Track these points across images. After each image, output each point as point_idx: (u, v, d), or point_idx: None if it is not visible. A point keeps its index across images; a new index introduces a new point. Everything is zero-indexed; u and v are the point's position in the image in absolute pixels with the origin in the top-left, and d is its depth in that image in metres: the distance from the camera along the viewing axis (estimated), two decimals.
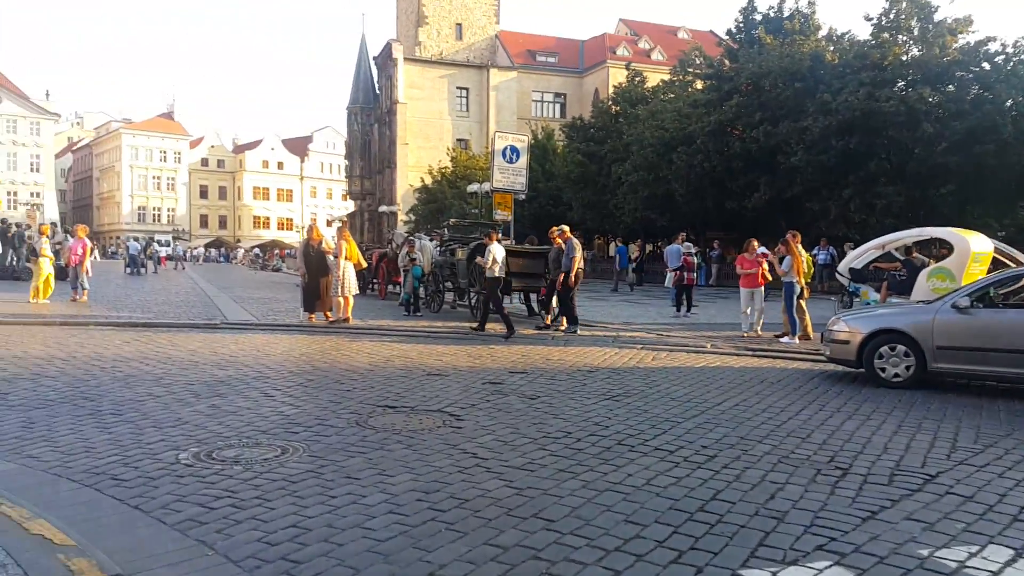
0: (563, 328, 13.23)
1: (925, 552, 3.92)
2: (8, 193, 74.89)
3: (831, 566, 3.72)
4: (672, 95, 36.48)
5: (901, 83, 25.17)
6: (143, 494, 4.48)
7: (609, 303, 20.53)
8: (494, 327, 13.94)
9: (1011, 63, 23.64)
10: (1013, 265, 12.72)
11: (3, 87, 76.45)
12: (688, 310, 16.35)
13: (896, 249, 14.75)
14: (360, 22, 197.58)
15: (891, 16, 25.93)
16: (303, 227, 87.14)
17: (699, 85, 35.06)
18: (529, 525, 4.17)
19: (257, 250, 72.88)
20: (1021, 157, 22.30)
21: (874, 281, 16.13)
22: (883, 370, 8.99)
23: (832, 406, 7.69)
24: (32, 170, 77.35)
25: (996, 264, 13.60)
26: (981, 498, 4.83)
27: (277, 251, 69.37)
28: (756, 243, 13.69)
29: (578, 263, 13.11)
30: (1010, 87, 23.17)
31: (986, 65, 24.18)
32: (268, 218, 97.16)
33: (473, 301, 14.47)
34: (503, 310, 13.31)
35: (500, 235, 18.53)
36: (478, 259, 14.16)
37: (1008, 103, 23.45)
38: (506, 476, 5.00)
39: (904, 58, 25.55)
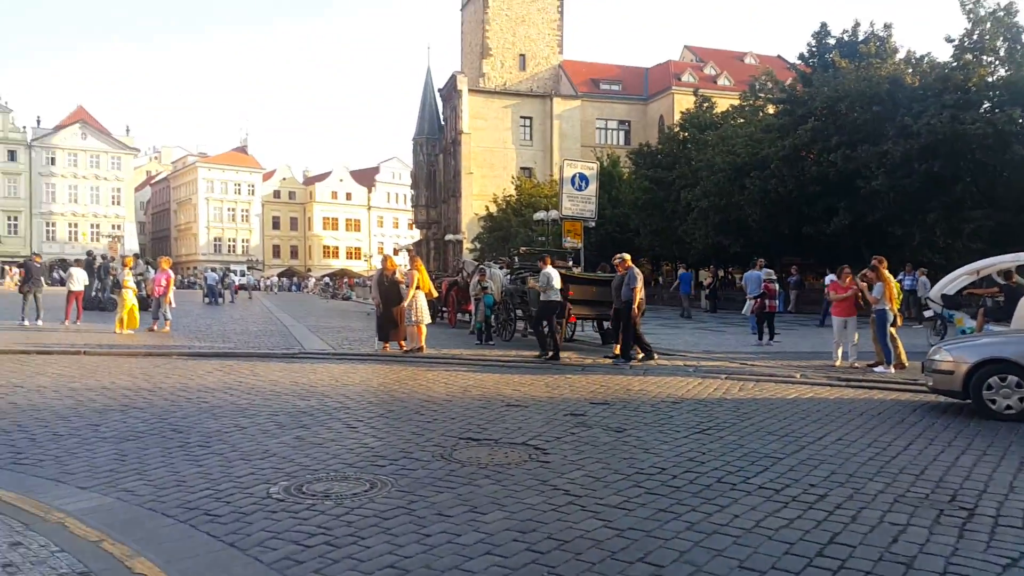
0: (639, 358, 12.87)
1: None
2: (91, 225, 78.90)
3: None
4: (742, 120, 35.82)
5: (987, 105, 24.10)
6: (237, 530, 4.39)
7: (685, 331, 20.03)
8: (570, 355, 13.72)
9: None
10: None
11: (88, 124, 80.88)
12: (770, 338, 15.77)
13: (998, 274, 13.97)
14: (426, 55, 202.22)
15: (974, 37, 24.88)
16: (369, 256, 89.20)
17: (770, 110, 34.36)
18: (637, 571, 3.92)
19: (327, 279, 74.40)
20: None
21: (968, 307, 15.33)
22: (993, 402, 8.40)
23: (942, 440, 7.20)
24: (113, 203, 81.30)
25: None
26: None
27: (346, 280, 70.68)
28: (848, 269, 13.06)
29: (640, 293, 12.71)
30: None
31: None
32: (337, 247, 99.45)
33: (546, 330, 14.27)
34: (544, 334, 13.55)
35: (571, 261, 18.41)
36: (532, 283, 14.12)
37: None
38: (603, 516, 4.75)
39: (990, 79, 24.48)
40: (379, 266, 15.12)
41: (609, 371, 12.13)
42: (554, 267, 14.71)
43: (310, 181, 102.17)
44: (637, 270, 13.01)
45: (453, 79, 58.58)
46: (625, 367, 12.39)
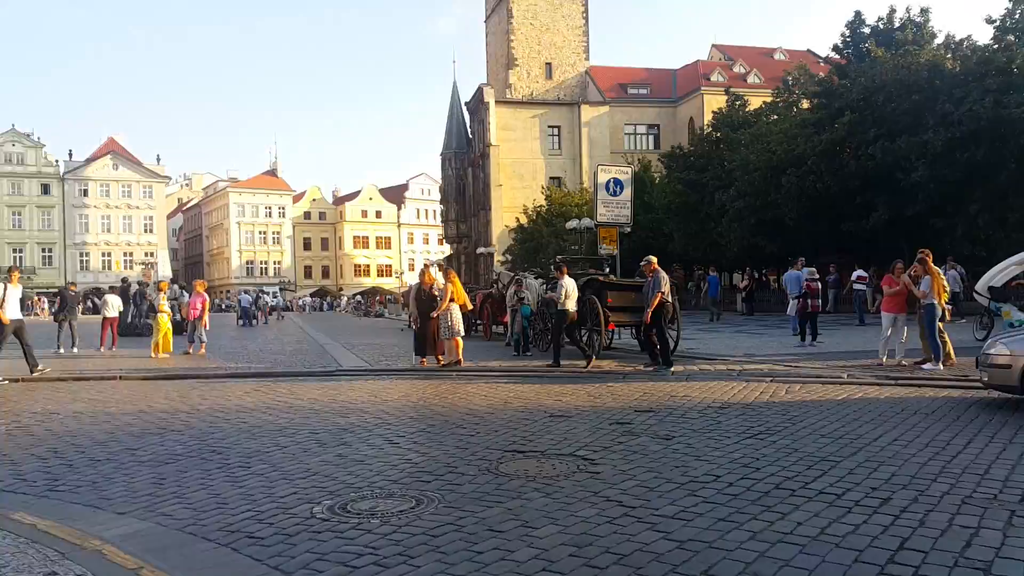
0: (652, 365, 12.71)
1: None
2: (124, 254, 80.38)
3: None
4: (776, 116, 35.29)
5: None
6: (281, 553, 4.26)
7: (724, 334, 19.69)
8: (610, 363, 13.51)
9: None
10: None
11: (119, 155, 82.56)
12: (813, 339, 15.36)
13: None
14: (452, 69, 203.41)
15: (1016, 16, 24.21)
16: (400, 273, 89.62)
17: (804, 104, 33.81)
18: None
19: (359, 297, 74.91)
20: None
21: (1017, 300, 14.80)
22: None
23: (1002, 437, 6.90)
24: (146, 231, 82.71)
25: None
26: None
27: (378, 297, 71.09)
28: (901, 264, 12.67)
29: (661, 298, 12.44)
30: None
31: None
32: (368, 266, 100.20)
33: (584, 339, 14.09)
34: (560, 343, 13.60)
35: (608, 268, 18.17)
36: (549, 293, 14.07)
37: None
38: (660, 527, 4.55)
39: None
40: (417, 280, 15.11)
41: (651, 378, 11.88)
42: (592, 275, 14.57)
43: (339, 201, 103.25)
44: (663, 274, 12.78)
45: (479, 91, 58.67)
46: (667, 373, 12.15)
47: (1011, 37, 24.15)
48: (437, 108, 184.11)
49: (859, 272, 23.74)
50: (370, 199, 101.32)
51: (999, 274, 14.54)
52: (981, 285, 14.71)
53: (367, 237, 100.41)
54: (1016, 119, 21.72)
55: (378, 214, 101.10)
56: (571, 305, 13.37)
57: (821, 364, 12.50)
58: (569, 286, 13.42)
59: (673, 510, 4.88)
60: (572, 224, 32.23)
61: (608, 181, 18.14)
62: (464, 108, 63.37)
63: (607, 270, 17.81)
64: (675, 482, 5.56)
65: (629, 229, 19.17)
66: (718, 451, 6.55)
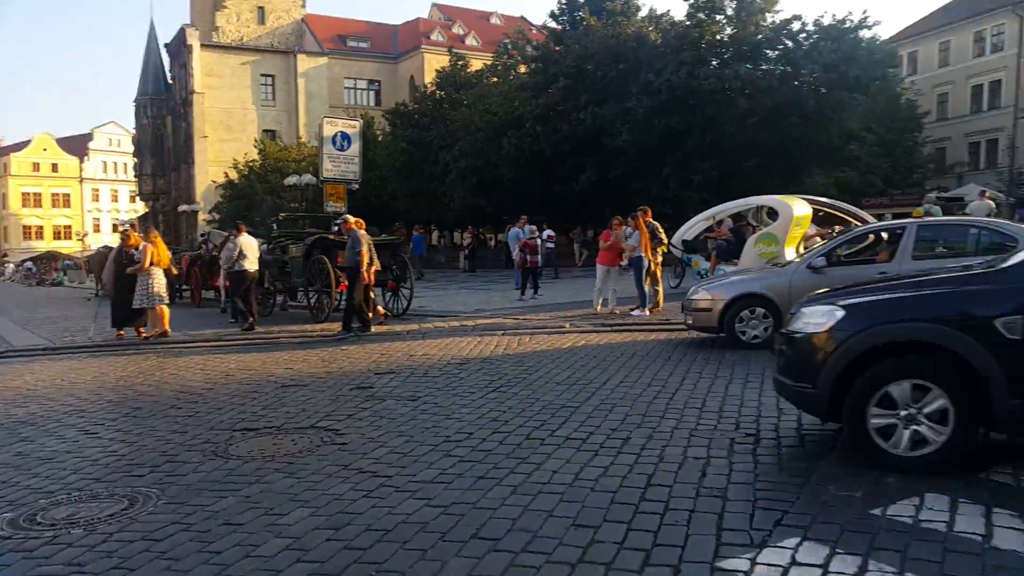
0: (356, 327, 12.10)
1: (877, 512, 3.80)
2: None
3: (802, 542, 3.50)
4: (496, 79, 36.18)
5: (716, 62, 26.27)
6: None
7: (451, 291, 19.97)
8: (330, 326, 12.86)
9: (811, 40, 25.37)
10: (858, 223, 13.72)
11: None
12: (535, 292, 16.13)
13: (730, 217, 15.39)
14: (148, 6, 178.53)
15: None
16: (83, 234, 78.79)
17: (522, 69, 35.00)
18: (473, 549, 3.55)
19: (30, 264, 64.65)
20: (826, 130, 23.99)
21: (703, 251, 16.83)
22: (743, 333, 9.23)
23: (708, 372, 7.73)
24: None
25: (829, 221, 14.66)
26: None
27: (55, 263, 61.84)
28: (619, 220, 13.49)
29: (365, 258, 11.88)
30: (811, 62, 24.74)
31: (790, 43, 25.83)
32: (41, 227, 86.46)
33: (313, 300, 13.26)
34: (252, 304, 13.28)
35: (336, 228, 17.31)
36: (223, 252, 13.68)
37: (810, 78, 25.07)
38: (421, 494, 4.31)
39: (719, 37, 26.71)
40: (119, 242, 13.26)
41: (386, 339, 11.53)
42: (321, 234, 13.79)
43: (4, 152, 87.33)
44: (361, 233, 12.12)
45: (182, 33, 52.85)
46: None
47: (702, 15, 26.98)
48: (131, 49, 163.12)
49: (548, 232, 25.41)
50: (44, 150, 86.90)
51: (690, 229, 16.38)
52: (676, 239, 16.45)
53: (40, 194, 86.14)
54: (705, 90, 24.47)
55: (54, 168, 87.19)
56: (249, 265, 12.88)
57: (545, 316, 13.12)
58: (246, 245, 12.87)
59: (432, 474, 4.67)
60: (292, 180, 30.43)
61: (335, 135, 17.27)
62: (163, 50, 56.85)
63: (336, 229, 16.98)
64: (428, 444, 5.34)
65: (357, 186, 18.46)
66: (466, 408, 6.46)
